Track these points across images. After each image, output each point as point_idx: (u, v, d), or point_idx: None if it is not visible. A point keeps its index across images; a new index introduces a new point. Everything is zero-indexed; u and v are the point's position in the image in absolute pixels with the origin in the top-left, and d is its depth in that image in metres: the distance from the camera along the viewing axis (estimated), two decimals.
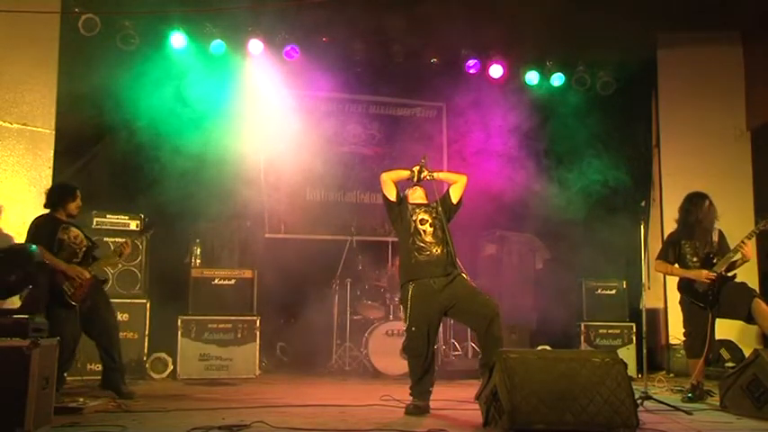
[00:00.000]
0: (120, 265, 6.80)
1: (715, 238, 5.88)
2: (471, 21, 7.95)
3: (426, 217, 5.18)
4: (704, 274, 5.74)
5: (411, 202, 5.30)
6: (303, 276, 7.88)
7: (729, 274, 5.78)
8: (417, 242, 5.09)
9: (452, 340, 7.99)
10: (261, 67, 8.40)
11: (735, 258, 5.72)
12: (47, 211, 5.65)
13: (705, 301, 5.77)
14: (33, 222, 5.56)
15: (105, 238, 6.71)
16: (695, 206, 5.96)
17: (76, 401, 4.99)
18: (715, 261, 5.77)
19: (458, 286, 5.05)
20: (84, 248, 5.61)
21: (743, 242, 5.64)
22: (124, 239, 5.93)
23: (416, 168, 5.28)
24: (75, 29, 7.58)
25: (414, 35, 8.07)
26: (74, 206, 5.63)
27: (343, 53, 8.45)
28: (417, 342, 5.05)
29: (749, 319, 5.65)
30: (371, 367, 7.37)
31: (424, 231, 5.12)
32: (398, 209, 5.26)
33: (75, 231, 5.60)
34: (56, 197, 5.61)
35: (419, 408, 4.95)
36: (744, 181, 8.37)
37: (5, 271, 4.27)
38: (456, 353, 7.98)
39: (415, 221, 5.15)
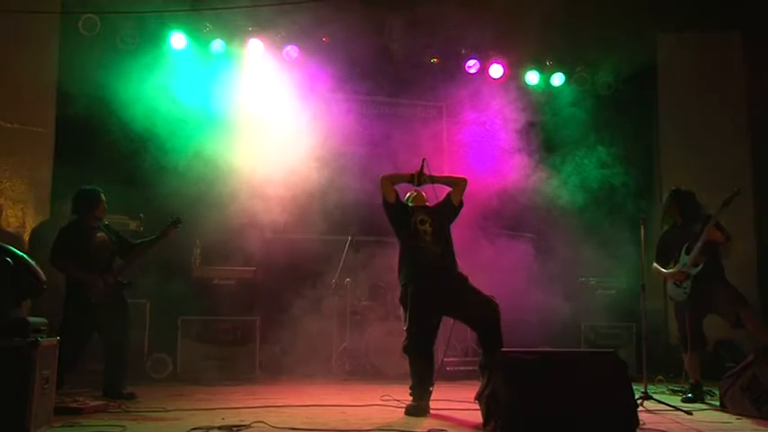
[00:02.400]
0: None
1: (698, 229, 5.90)
2: (471, 21, 7.94)
3: (426, 218, 5.18)
4: (674, 274, 5.84)
5: (411, 204, 5.30)
6: (303, 276, 7.88)
7: (711, 265, 5.81)
8: (417, 242, 5.10)
9: (452, 340, 7.98)
10: (261, 66, 8.40)
11: (700, 245, 5.75)
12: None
13: (681, 297, 5.86)
14: (59, 231, 5.69)
15: None
16: (669, 201, 6.07)
17: (76, 401, 5.00)
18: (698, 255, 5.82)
19: (458, 286, 5.05)
20: (109, 253, 5.72)
21: (707, 229, 5.69)
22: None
23: (416, 172, 5.26)
24: (75, 29, 7.58)
25: (414, 35, 8.07)
26: (100, 210, 5.77)
27: (343, 53, 8.44)
28: (417, 342, 5.05)
29: (737, 324, 5.70)
30: (371, 367, 7.38)
31: (423, 232, 5.12)
32: (398, 211, 5.24)
33: (101, 237, 5.72)
34: (81, 204, 5.73)
35: (419, 408, 4.95)
36: (744, 181, 8.36)
37: (18, 281, 4.29)
38: (456, 353, 7.97)
39: (414, 222, 5.15)
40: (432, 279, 5.01)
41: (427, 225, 5.14)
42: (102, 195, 5.79)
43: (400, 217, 5.22)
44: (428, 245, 5.08)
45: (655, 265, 6.17)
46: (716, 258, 5.87)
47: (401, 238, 5.23)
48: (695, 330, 5.84)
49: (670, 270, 5.96)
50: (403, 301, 5.14)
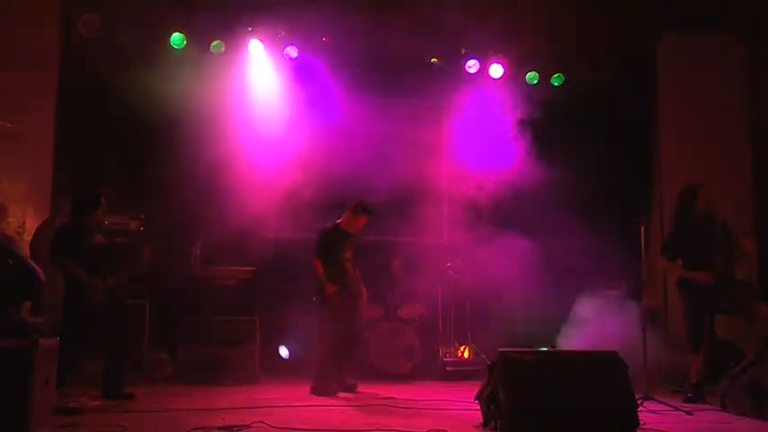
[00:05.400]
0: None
1: (718, 231, 5.88)
2: (471, 21, 7.94)
3: (351, 247, 6.56)
4: (704, 277, 5.78)
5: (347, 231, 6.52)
6: (303, 276, 7.88)
7: (730, 271, 5.80)
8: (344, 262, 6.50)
9: (452, 340, 8.00)
10: (261, 66, 8.40)
11: (737, 254, 5.76)
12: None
13: (703, 299, 5.81)
14: (57, 231, 5.68)
15: None
16: (689, 197, 6.02)
17: (77, 401, 5.00)
18: (716, 257, 5.80)
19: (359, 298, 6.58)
20: (107, 254, 5.73)
21: (746, 240, 5.70)
22: (143, 247, 6.01)
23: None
24: (76, 29, 7.58)
25: (414, 35, 8.06)
26: (99, 213, 5.79)
27: (343, 53, 8.44)
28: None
29: (750, 318, 5.70)
30: (371, 367, 7.38)
31: (347, 259, 6.55)
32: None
33: (99, 239, 5.74)
34: (81, 205, 5.73)
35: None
36: (744, 181, 8.37)
37: (18, 282, 4.31)
38: (456, 353, 7.98)
39: (342, 251, 6.48)
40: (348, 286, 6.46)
41: (349, 252, 6.56)
42: (102, 198, 5.80)
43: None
44: (348, 262, 6.55)
45: (664, 259, 6.14)
46: (731, 252, 5.88)
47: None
48: (710, 330, 5.84)
49: (697, 273, 5.91)
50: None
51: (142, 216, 7.24)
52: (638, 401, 4.74)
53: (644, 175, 9.01)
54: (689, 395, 5.81)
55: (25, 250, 6.60)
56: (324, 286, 6.29)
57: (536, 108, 8.85)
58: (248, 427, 4.27)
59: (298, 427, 4.34)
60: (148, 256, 5.97)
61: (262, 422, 4.37)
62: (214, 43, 8.13)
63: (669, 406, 5.24)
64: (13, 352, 3.78)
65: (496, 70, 8.90)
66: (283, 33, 8.31)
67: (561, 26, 7.97)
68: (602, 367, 4.40)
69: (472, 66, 8.89)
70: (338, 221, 6.60)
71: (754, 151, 8.52)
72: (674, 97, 8.77)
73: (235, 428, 4.19)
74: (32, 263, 4.97)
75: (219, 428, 4.19)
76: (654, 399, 5.40)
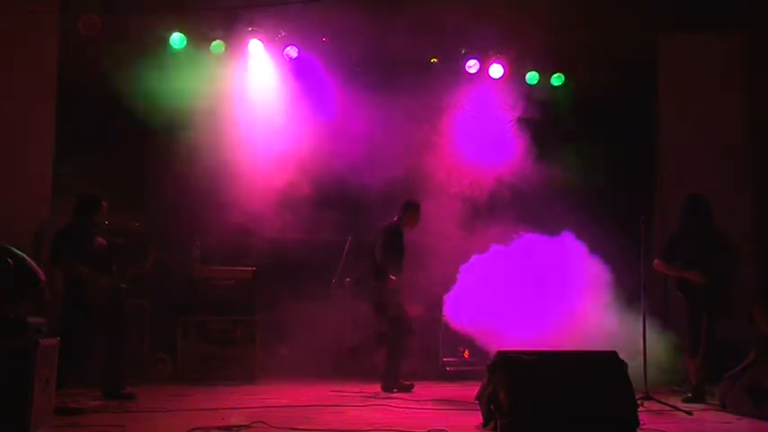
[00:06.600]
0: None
1: (717, 238, 5.91)
2: (471, 21, 7.94)
3: None
4: (695, 276, 5.82)
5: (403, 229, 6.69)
6: (303, 276, 7.89)
7: (728, 273, 5.82)
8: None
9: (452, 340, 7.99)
10: (261, 66, 8.41)
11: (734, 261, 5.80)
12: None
13: (700, 301, 5.83)
14: (60, 231, 5.73)
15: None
16: (694, 207, 6.06)
17: (76, 401, 5.00)
18: (712, 261, 5.82)
19: None
20: (106, 255, 5.79)
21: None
22: (150, 248, 6.07)
23: None
24: (75, 29, 7.58)
25: (414, 35, 8.07)
26: (99, 217, 5.86)
27: (343, 53, 8.45)
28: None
29: (749, 320, 5.72)
30: (371, 367, 7.37)
31: None
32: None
33: (99, 241, 5.80)
34: (83, 208, 5.82)
35: None
36: (744, 181, 8.36)
37: (18, 281, 4.32)
38: (455, 353, 7.98)
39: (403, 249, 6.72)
40: None
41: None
42: (103, 202, 5.86)
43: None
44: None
45: (661, 262, 6.18)
46: (729, 261, 5.90)
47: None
48: (710, 330, 5.86)
49: (692, 273, 5.97)
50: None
51: (142, 216, 7.23)
52: (638, 401, 4.74)
53: (644, 176, 9.01)
54: (689, 395, 5.82)
55: (25, 250, 6.61)
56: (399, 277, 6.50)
57: (536, 108, 8.85)
58: (248, 427, 4.27)
59: (298, 427, 4.34)
60: (154, 256, 6.00)
61: (262, 422, 4.37)
62: (214, 43, 8.13)
63: (669, 406, 5.24)
64: (13, 352, 3.78)
65: (496, 70, 8.89)
66: (283, 33, 8.31)
67: (561, 26, 7.96)
68: (601, 367, 4.40)
69: (472, 65, 8.88)
70: (396, 221, 6.75)
71: (753, 151, 8.51)
72: (674, 98, 8.75)
73: (234, 428, 4.20)
74: (32, 262, 4.97)
75: (219, 428, 4.19)
76: (654, 399, 5.40)
